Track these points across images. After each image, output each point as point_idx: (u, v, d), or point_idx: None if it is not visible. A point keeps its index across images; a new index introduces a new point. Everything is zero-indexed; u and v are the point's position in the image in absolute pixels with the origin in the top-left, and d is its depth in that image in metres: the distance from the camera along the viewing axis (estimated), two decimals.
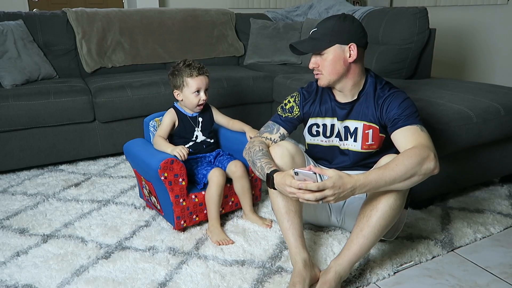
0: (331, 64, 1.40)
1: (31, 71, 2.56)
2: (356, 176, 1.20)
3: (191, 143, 1.81)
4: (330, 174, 1.18)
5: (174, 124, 1.79)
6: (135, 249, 1.59)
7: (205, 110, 1.85)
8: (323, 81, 1.45)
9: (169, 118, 1.77)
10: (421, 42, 2.57)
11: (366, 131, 1.47)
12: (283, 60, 3.35)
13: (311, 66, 1.45)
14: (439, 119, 1.72)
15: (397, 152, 1.35)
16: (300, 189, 1.19)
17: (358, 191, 1.20)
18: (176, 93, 1.76)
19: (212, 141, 1.87)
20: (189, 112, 1.80)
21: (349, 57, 1.40)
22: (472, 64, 3.77)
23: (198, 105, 1.75)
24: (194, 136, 1.81)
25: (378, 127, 1.46)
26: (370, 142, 1.47)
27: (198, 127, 1.82)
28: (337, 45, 1.39)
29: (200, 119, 1.82)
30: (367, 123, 1.46)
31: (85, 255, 1.55)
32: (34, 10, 3.66)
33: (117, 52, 2.99)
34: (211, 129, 1.88)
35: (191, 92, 1.72)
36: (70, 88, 2.41)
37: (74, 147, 2.42)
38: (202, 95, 1.74)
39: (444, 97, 1.97)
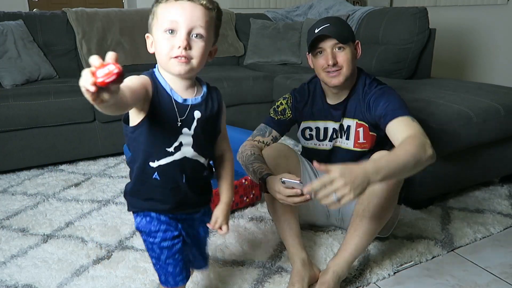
0: (351, 59, 1.40)
1: (31, 71, 2.56)
2: (363, 165, 1.05)
3: (165, 160, 0.97)
4: (333, 168, 1.03)
5: (143, 102, 0.91)
6: (135, 249, 1.59)
7: (210, 99, 1.01)
8: (341, 78, 1.40)
9: (138, 79, 0.91)
10: (421, 42, 2.57)
11: (358, 129, 1.47)
12: (283, 60, 3.35)
13: (331, 61, 1.37)
14: (439, 119, 1.72)
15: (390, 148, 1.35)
16: (289, 196, 1.22)
17: (373, 177, 1.03)
18: (148, 40, 0.96)
19: (211, 169, 1.08)
20: (177, 94, 0.95)
21: (357, 53, 1.44)
22: (472, 64, 3.77)
23: (174, 58, 0.89)
24: (176, 142, 0.96)
25: (367, 126, 1.46)
26: (361, 140, 1.47)
27: (190, 127, 0.97)
28: (350, 41, 1.41)
29: (198, 114, 0.97)
30: (359, 121, 1.47)
31: (85, 255, 1.55)
32: (34, 10, 3.66)
33: (117, 52, 2.98)
34: (213, 139, 1.07)
35: (161, 31, 0.90)
36: (70, 88, 2.41)
37: (74, 147, 2.42)
38: (180, 38, 0.88)
39: (444, 97, 1.97)
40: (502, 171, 2.10)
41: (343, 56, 1.39)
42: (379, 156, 1.21)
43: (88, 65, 0.63)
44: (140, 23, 3.07)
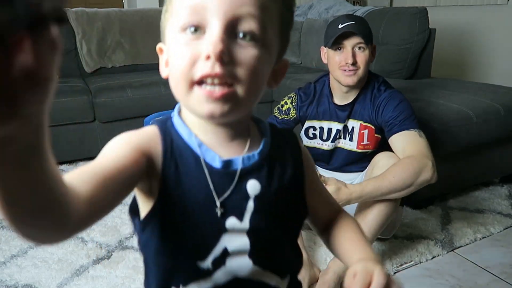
0: (368, 61, 1.40)
1: None
2: (353, 188, 1.22)
3: (198, 286, 0.51)
4: (330, 183, 1.21)
5: (139, 173, 0.46)
6: (135, 249, 1.58)
7: (278, 155, 0.54)
8: (356, 78, 1.39)
9: (128, 144, 0.47)
10: (421, 42, 2.57)
11: (362, 131, 1.47)
12: None
13: (351, 60, 1.36)
14: (439, 119, 1.72)
15: (392, 150, 1.36)
16: None
17: (353, 201, 1.24)
18: (161, 55, 0.52)
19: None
20: (212, 153, 0.50)
21: (373, 57, 1.44)
22: (472, 64, 3.77)
23: (198, 84, 0.45)
24: (216, 249, 0.50)
25: (373, 128, 1.45)
26: (365, 142, 1.47)
27: (242, 215, 0.50)
28: (370, 43, 1.41)
29: (255, 187, 0.51)
30: (364, 123, 1.46)
31: (85, 255, 1.55)
32: None
33: (117, 52, 2.99)
34: (293, 231, 0.60)
35: (176, 31, 0.46)
36: (70, 88, 2.41)
37: (74, 147, 2.42)
38: (210, 38, 0.43)
39: (444, 97, 1.97)
40: (502, 171, 2.10)
41: (362, 57, 1.38)
42: (366, 182, 1.26)
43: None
44: (140, 23, 3.07)
